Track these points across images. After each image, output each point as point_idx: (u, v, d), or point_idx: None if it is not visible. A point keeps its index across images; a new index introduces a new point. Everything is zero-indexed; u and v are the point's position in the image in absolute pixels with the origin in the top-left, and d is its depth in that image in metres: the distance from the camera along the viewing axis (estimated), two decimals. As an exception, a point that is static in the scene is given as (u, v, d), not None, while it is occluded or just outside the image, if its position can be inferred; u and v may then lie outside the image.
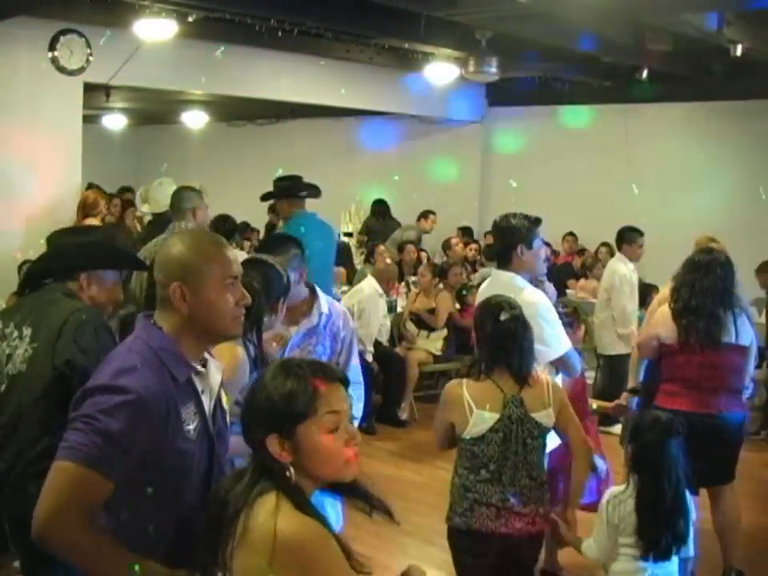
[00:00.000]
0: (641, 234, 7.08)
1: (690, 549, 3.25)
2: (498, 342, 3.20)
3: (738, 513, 4.38)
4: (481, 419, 3.15)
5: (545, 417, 3.20)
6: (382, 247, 8.76)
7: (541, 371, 3.51)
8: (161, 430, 2.01)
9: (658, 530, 3.08)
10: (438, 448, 3.50)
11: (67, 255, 3.03)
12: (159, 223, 6.21)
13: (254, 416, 1.89)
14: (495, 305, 3.25)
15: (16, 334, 2.87)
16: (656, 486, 3.11)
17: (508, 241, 3.83)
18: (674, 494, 3.12)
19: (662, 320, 4.28)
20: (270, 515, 1.77)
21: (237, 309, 2.16)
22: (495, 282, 3.94)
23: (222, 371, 2.29)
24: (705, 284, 4.14)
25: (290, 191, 5.80)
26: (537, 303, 3.72)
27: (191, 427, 2.09)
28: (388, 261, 8.16)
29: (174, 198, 5.22)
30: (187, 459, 2.09)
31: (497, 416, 3.14)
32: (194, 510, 2.06)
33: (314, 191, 5.86)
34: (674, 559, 3.17)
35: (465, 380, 3.30)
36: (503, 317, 3.18)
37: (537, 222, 3.86)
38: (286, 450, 1.85)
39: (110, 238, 3.37)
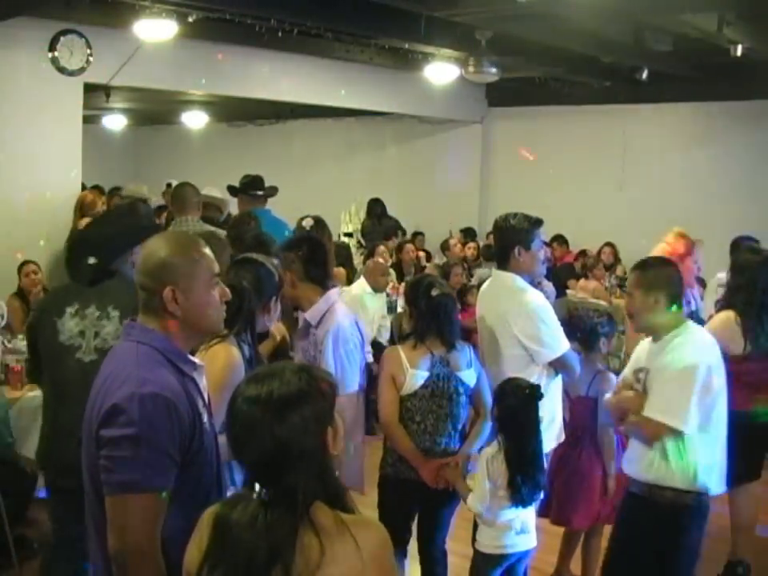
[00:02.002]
0: None
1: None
2: (432, 314, 3.58)
3: (756, 512, 4.45)
4: (414, 377, 3.54)
5: (468, 376, 3.62)
6: (382, 247, 8.74)
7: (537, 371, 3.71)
8: (191, 427, 2.07)
9: (522, 481, 3.38)
10: (388, 420, 3.57)
11: (123, 237, 3.41)
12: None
13: (304, 422, 1.75)
14: (427, 283, 3.67)
15: (98, 314, 3.29)
16: (518, 442, 3.39)
17: (507, 241, 3.81)
18: (534, 450, 3.43)
19: (728, 330, 4.12)
20: (341, 529, 1.73)
21: (221, 306, 2.24)
22: (496, 283, 3.95)
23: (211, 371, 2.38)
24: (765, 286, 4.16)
25: (249, 188, 6.33)
26: (536, 304, 3.74)
27: (205, 420, 2.15)
28: (379, 260, 8.13)
29: (179, 193, 5.71)
30: (208, 451, 2.14)
31: (427, 374, 3.54)
32: (210, 495, 2.11)
33: (272, 190, 6.44)
34: (533, 505, 3.52)
35: (399, 345, 3.69)
36: (435, 292, 3.59)
37: (537, 223, 3.82)
38: (332, 438, 1.82)
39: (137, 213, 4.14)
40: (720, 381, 3.19)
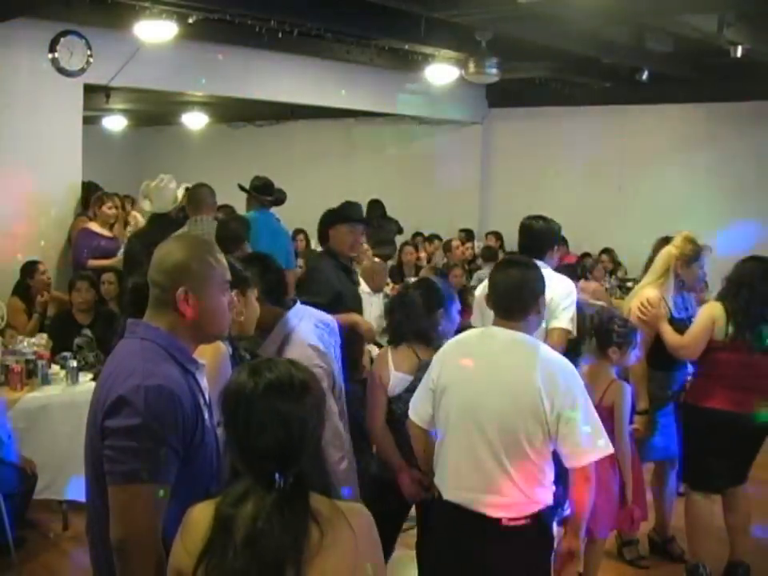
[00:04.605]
0: None
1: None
2: (409, 315, 3.58)
3: (750, 511, 4.46)
4: (397, 380, 3.52)
5: None
6: (365, 246, 8.72)
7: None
8: (193, 422, 2.10)
9: None
10: (373, 424, 3.59)
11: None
12: (160, 222, 6.29)
13: (316, 407, 1.87)
14: (407, 283, 3.71)
15: None
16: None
17: (545, 241, 4.33)
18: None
19: (714, 316, 4.24)
20: (338, 515, 1.82)
21: (229, 313, 2.30)
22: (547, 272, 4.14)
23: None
24: (762, 289, 4.19)
25: (259, 191, 6.49)
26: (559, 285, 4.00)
27: (206, 417, 2.18)
28: (375, 259, 8.16)
29: (194, 193, 5.92)
30: (208, 447, 2.17)
31: (411, 377, 3.47)
32: (208, 492, 2.11)
33: (281, 194, 6.63)
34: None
35: (389, 347, 3.67)
36: (412, 293, 3.62)
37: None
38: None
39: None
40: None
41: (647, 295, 4.50)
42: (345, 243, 4.51)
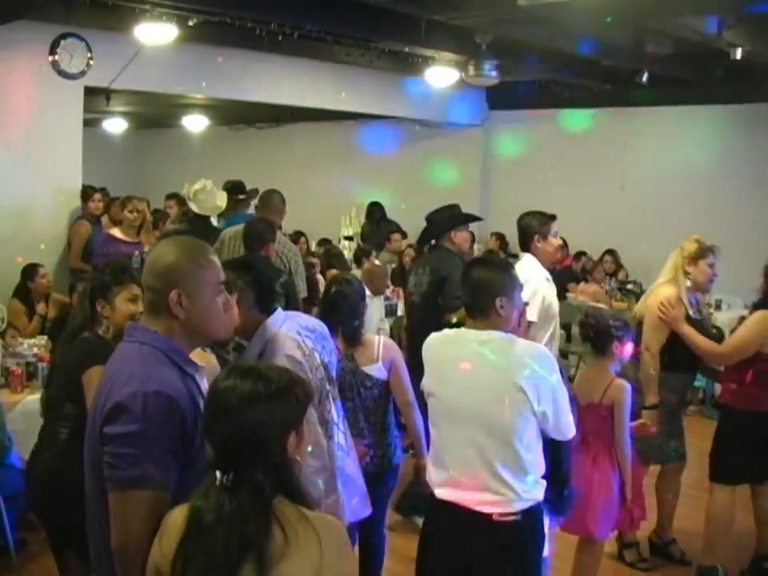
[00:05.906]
0: None
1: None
2: (327, 312, 3.81)
3: None
4: None
5: (375, 370, 3.79)
6: (373, 252, 8.77)
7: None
8: (193, 426, 2.09)
9: (560, 492, 3.19)
10: None
11: (442, 223, 5.39)
12: (198, 225, 6.31)
13: (270, 418, 1.87)
14: (332, 281, 3.99)
15: (421, 270, 5.35)
16: (559, 452, 3.16)
17: (525, 235, 4.66)
18: (569, 459, 3.25)
19: (764, 329, 4.19)
20: (304, 522, 1.82)
21: (225, 313, 2.27)
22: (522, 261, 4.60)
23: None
24: None
25: (231, 193, 6.74)
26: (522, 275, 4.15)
27: None
28: (377, 262, 8.16)
29: (265, 198, 6.02)
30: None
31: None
32: None
33: (253, 193, 6.77)
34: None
35: None
36: (333, 289, 3.87)
37: (552, 217, 4.69)
38: (294, 442, 1.93)
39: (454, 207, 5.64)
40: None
41: (665, 294, 4.47)
42: (467, 242, 5.25)
